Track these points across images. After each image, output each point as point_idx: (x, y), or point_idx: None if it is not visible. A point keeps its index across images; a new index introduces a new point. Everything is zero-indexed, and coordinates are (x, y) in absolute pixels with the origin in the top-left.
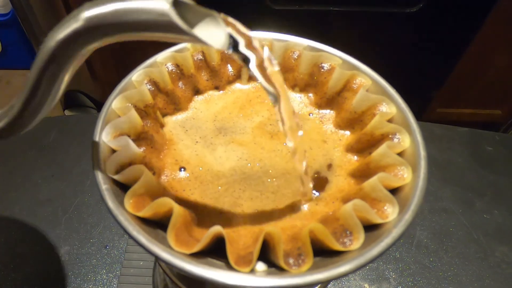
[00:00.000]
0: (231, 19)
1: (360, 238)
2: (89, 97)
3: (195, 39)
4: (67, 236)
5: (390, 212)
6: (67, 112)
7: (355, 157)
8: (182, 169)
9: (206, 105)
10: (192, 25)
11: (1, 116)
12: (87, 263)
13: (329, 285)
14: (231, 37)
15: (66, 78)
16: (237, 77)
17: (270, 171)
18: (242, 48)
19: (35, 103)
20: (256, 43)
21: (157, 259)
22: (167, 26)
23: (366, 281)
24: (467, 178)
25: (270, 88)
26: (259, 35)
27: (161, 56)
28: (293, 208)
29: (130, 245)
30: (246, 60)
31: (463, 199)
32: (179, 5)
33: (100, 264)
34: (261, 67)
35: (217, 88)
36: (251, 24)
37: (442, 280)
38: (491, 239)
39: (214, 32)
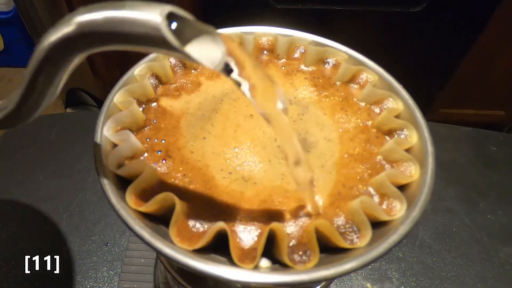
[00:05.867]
0: (229, 39)
1: (367, 235)
2: (91, 95)
3: (187, 57)
4: (68, 233)
5: (398, 209)
6: (68, 110)
7: None
8: (185, 160)
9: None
10: (188, 40)
11: (1, 107)
12: (88, 260)
13: (331, 285)
14: (226, 64)
15: (63, 77)
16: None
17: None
18: (235, 75)
19: (33, 99)
20: (250, 71)
21: (160, 254)
22: (158, 40)
23: (369, 281)
24: (471, 178)
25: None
26: (263, 30)
27: None
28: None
29: (131, 243)
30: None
31: (466, 199)
32: (177, 19)
33: (101, 261)
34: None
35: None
36: (253, 22)
37: (445, 281)
38: (494, 239)
39: (210, 50)
